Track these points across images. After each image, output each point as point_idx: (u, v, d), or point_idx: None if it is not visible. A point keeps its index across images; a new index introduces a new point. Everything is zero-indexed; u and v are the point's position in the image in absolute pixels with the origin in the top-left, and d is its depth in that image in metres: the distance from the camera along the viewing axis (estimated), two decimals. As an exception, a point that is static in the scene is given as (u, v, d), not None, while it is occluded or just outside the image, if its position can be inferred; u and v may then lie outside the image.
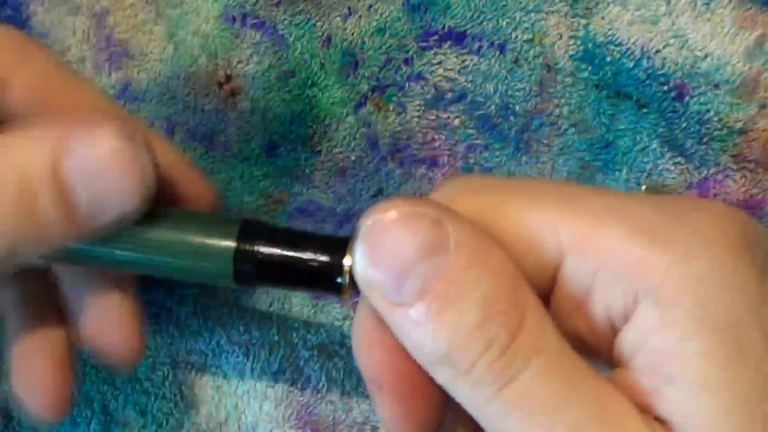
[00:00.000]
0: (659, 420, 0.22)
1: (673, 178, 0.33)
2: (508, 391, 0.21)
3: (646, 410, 0.22)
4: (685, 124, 0.33)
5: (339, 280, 0.25)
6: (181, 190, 0.27)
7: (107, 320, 0.28)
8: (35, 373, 0.29)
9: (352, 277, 0.24)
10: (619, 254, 0.22)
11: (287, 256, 0.26)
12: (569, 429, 0.21)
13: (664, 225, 0.22)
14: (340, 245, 0.25)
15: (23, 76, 0.26)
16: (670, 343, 0.21)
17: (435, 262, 0.22)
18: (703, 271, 0.21)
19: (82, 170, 0.24)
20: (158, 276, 0.26)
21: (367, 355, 0.24)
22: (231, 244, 0.25)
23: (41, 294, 0.29)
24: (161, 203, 0.26)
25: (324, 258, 0.25)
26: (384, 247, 0.22)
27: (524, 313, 0.22)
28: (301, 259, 0.25)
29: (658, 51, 0.33)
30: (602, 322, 0.23)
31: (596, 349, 0.24)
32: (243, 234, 0.26)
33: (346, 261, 0.25)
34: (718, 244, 0.22)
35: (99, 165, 0.24)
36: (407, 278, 0.22)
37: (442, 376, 0.22)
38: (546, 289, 0.24)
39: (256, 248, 0.25)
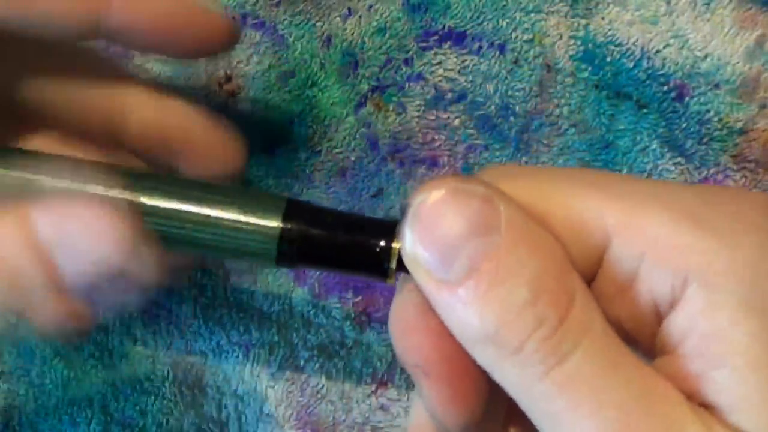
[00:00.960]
0: (705, 405, 0.22)
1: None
2: (557, 372, 0.21)
3: (691, 397, 0.22)
4: (685, 125, 0.33)
5: (386, 264, 0.24)
6: (208, 149, 0.27)
7: None
8: None
9: (399, 262, 0.24)
10: (666, 238, 0.22)
11: (333, 238, 0.25)
12: (616, 411, 0.21)
13: (708, 212, 0.22)
14: (389, 228, 0.25)
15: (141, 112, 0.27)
16: (718, 326, 0.21)
17: (485, 241, 0.22)
18: (749, 255, 0.22)
19: (50, 229, 0.24)
20: (198, 252, 0.26)
21: (410, 340, 0.24)
22: (276, 223, 0.25)
23: None
24: (190, 166, 0.26)
25: (372, 242, 0.25)
26: (433, 225, 0.22)
27: (573, 295, 0.22)
28: (347, 242, 0.25)
29: (658, 51, 0.33)
30: (647, 307, 0.23)
31: (636, 338, 0.24)
32: (288, 213, 0.25)
33: (395, 245, 0.24)
34: (763, 230, 0.22)
35: (69, 225, 0.24)
36: (456, 256, 0.22)
37: (487, 358, 0.22)
38: (589, 275, 0.24)
39: (301, 228, 0.25)
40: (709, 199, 0.23)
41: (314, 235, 0.25)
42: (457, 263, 0.22)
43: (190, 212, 0.25)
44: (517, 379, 0.22)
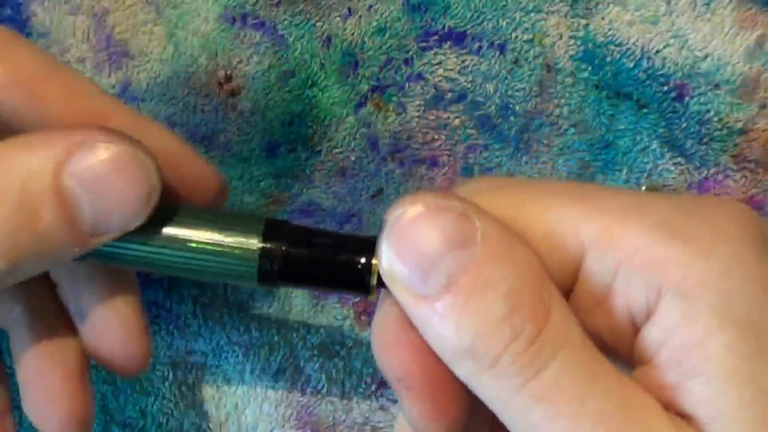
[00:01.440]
0: (683, 415, 0.22)
1: (673, 178, 0.33)
2: (534, 384, 0.21)
3: (669, 406, 0.22)
4: (685, 125, 0.33)
5: (367, 280, 0.25)
6: (187, 180, 0.27)
7: (110, 327, 0.28)
8: (48, 390, 0.28)
9: (380, 277, 0.24)
10: (640, 250, 0.22)
11: (314, 256, 0.25)
12: (595, 420, 0.21)
13: (683, 222, 0.23)
14: (368, 245, 0.25)
15: (7, 72, 0.25)
16: (693, 336, 0.22)
17: (461, 255, 0.22)
18: (724, 265, 0.22)
19: (83, 179, 0.24)
20: (177, 275, 0.26)
21: (391, 355, 0.24)
22: (256, 243, 0.25)
23: (48, 303, 0.28)
24: (166, 194, 0.25)
25: (352, 258, 0.25)
26: (410, 240, 0.22)
27: (550, 307, 0.22)
28: (328, 259, 0.25)
29: (658, 51, 0.33)
30: (623, 319, 0.23)
31: (615, 349, 0.24)
32: (268, 233, 0.25)
33: (375, 261, 0.24)
34: (737, 239, 0.22)
35: (100, 172, 0.24)
36: (433, 270, 0.22)
37: (465, 371, 0.22)
38: (566, 287, 0.24)
39: (281, 248, 0.25)
40: (685, 209, 0.23)
41: (294, 254, 0.25)
42: (433, 277, 0.22)
43: (169, 235, 0.25)
44: (495, 392, 0.22)
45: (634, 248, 0.22)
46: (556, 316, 0.22)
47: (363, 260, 0.25)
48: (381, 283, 0.24)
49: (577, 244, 0.23)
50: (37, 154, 0.24)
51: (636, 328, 0.23)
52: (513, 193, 0.24)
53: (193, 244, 0.25)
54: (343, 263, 0.25)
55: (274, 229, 0.25)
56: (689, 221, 0.23)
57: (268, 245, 0.25)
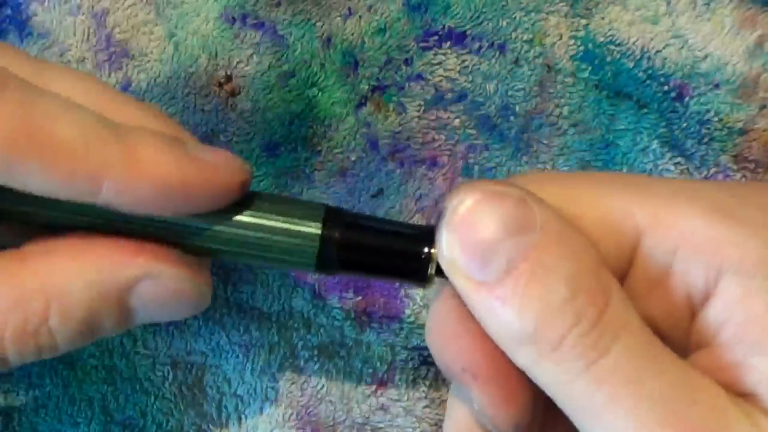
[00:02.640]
0: (744, 395, 0.22)
1: (673, 178, 0.33)
2: (597, 367, 0.21)
3: (730, 388, 0.22)
4: (685, 125, 0.33)
5: (426, 270, 0.25)
6: (201, 194, 0.26)
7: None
8: None
9: (438, 267, 0.24)
10: (697, 232, 0.23)
11: (373, 244, 0.25)
12: (657, 403, 0.21)
13: (735, 205, 0.23)
14: (428, 234, 0.25)
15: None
16: (755, 312, 0.22)
17: (521, 241, 0.22)
18: None
19: (146, 302, 0.25)
20: (237, 261, 0.26)
21: (454, 345, 0.24)
22: (317, 229, 0.25)
23: None
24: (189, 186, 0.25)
25: (412, 247, 0.25)
26: (469, 227, 0.22)
27: (610, 292, 0.22)
28: (387, 248, 0.25)
29: (658, 51, 0.33)
30: (680, 302, 0.23)
31: (670, 335, 0.24)
32: (328, 219, 0.25)
33: (434, 250, 0.24)
34: None
35: (163, 301, 0.26)
36: (493, 257, 0.22)
37: (526, 357, 0.22)
38: (621, 273, 0.24)
39: (341, 235, 0.25)
40: (734, 193, 0.24)
41: (354, 241, 0.25)
42: (494, 264, 0.22)
43: (232, 221, 0.25)
44: (556, 377, 0.22)
45: (691, 231, 0.23)
46: (615, 300, 0.22)
47: (424, 249, 0.25)
48: (438, 273, 0.24)
49: (632, 230, 0.23)
50: (109, 276, 0.25)
51: (693, 312, 0.23)
52: (564, 183, 0.24)
53: (253, 232, 0.25)
54: (402, 252, 0.25)
55: (335, 216, 0.25)
56: (740, 204, 0.23)
57: (329, 232, 0.25)
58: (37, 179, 0.23)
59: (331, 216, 0.25)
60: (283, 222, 0.25)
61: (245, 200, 0.26)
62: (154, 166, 0.24)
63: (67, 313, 0.25)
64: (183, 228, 0.25)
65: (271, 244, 0.25)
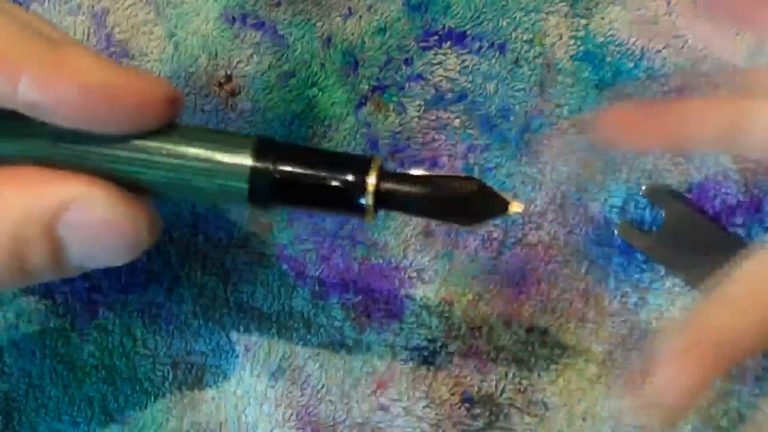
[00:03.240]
0: None
1: (673, 178, 0.33)
2: None
3: None
4: (685, 124, 0.33)
5: (362, 200, 0.24)
6: (131, 99, 0.24)
7: None
8: None
9: (376, 197, 0.23)
10: None
11: (306, 174, 0.24)
12: None
13: None
14: (363, 163, 0.24)
15: None
16: None
17: None
18: None
19: (77, 231, 0.24)
20: (168, 195, 0.25)
21: None
22: (246, 161, 0.24)
23: None
24: (122, 114, 0.24)
25: (346, 177, 0.24)
26: None
27: None
28: (320, 177, 0.24)
29: (658, 51, 0.33)
30: None
31: None
32: (258, 151, 0.24)
33: (370, 179, 0.23)
34: None
35: (94, 228, 0.24)
36: None
37: None
38: None
39: (272, 166, 0.24)
40: None
41: (285, 172, 0.24)
42: None
43: (160, 152, 0.24)
44: None
45: None
46: None
47: (359, 179, 0.23)
48: (378, 204, 0.23)
49: None
50: (35, 199, 0.24)
51: None
52: None
53: (183, 161, 0.24)
54: (337, 183, 0.24)
55: (265, 147, 0.24)
56: None
57: (259, 164, 0.24)
58: None
59: (262, 147, 0.24)
60: (213, 153, 0.24)
61: (175, 131, 0.24)
62: (77, 64, 0.23)
63: None
64: (109, 156, 0.24)
65: (200, 177, 0.24)
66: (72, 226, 0.24)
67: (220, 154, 0.24)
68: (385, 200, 0.24)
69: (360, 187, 0.24)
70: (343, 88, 0.33)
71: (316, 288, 0.33)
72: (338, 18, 0.34)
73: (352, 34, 0.34)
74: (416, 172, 0.25)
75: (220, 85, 0.33)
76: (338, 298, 0.33)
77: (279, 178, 0.24)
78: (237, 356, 0.33)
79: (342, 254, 0.33)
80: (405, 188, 0.24)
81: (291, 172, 0.24)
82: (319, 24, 0.33)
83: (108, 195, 0.24)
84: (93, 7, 0.33)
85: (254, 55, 0.33)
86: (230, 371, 0.33)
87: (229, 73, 0.33)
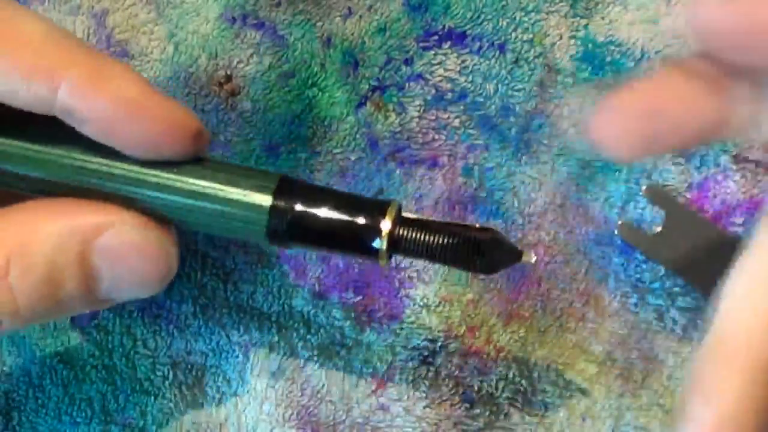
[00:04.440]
0: None
1: (673, 178, 0.33)
2: None
3: None
4: (685, 124, 0.33)
5: (375, 244, 0.24)
6: (160, 124, 0.25)
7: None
8: None
9: (390, 242, 0.23)
10: None
11: (323, 217, 0.25)
12: None
13: None
14: (380, 207, 0.24)
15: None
16: None
17: None
18: None
19: (109, 257, 0.25)
20: (185, 225, 0.26)
21: None
22: (267, 200, 0.25)
23: None
24: (147, 142, 0.25)
25: (361, 221, 0.24)
26: None
27: None
28: (337, 220, 0.25)
29: (658, 51, 0.33)
30: None
31: None
32: (280, 190, 0.25)
33: (384, 225, 0.24)
34: None
35: (126, 254, 0.25)
36: None
37: None
38: None
39: (292, 206, 0.25)
40: None
41: (303, 213, 0.25)
42: None
43: (183, 187, 0.25)
44: None
45: None
46: None
47: (374, 223, 0.24)
48: (391, 248, 0.24)
49: None
50: (67, 227, 0.25)
51: None
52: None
53: (205, 194, 0.25)
54: (352, 226, 0.24)
55: (287, 187, 0.25)
56: None
57: (279, 203, 0.25)
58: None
59: (283, 186, 0.25)
60: (235, 189, 0.25)
61: (199, 163, 0.25)
62: (116, 78, 0.24)
63: (28, 268, 0.24)
64: (133, 180, 0.25)
65: (221, 212, 0.25)
66: (104, 252, 0.25)
67: (242, 191, 0.25)
68: (399, 245, 0.25)
69: (375, 231, 0.24)
70: (343, 88, 0.33)
71: (316, 288, 0.33)
72: (338, 18, 0.34)
73: (352, 34, 0.34)
74: (432, 219, 0.25)
75: (220, 85, 0.33)
76: (338, 298, 0.33)
77: (296, 219, 0.25)
78: (237, 356, 0.33)
79: (342, 254, 0.33)
80: (419, 235, 0.25)
81: (309, 213, 0.25)
82: (319, 24, 0.33)
83: (137, 221, 0.25)
84: (93, 7, 0.33)
85: (254, 55, 0.33)
86: (230, 371, 0.33)
87: (229, 73, 0.33)
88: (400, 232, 0.25)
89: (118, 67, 0.25)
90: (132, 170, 0.25)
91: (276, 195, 0.25)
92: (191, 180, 0.25)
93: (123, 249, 0.25)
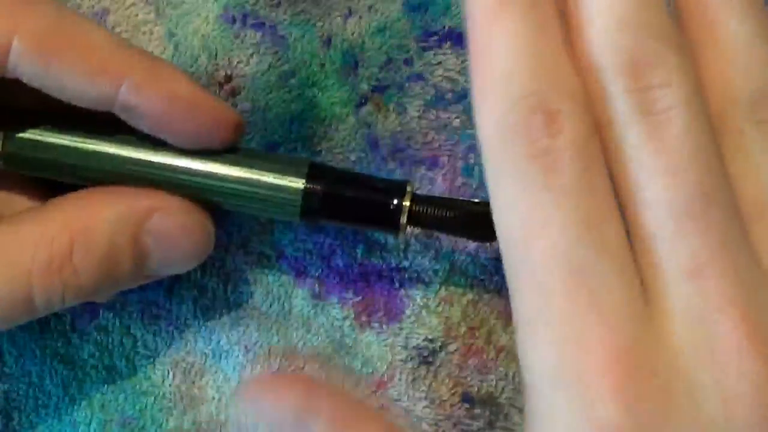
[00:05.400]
0: None
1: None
2: None
3: None
4: (685, 124, 0.33)
5: (398, 219, 0.29)
6: (207, 119, 0.29)
7: None
8: None
9: (409, 217, 0.29)
10: None
11: (351, 196, 0.29)
12: None
13: None
14: (400, 187, 0.29)
15: (27, 30, 0.27)
16: None
17: None
18: None
19: (158, 237, 0.28)
20: (227, 207, 0.29)
21: None
22: (300, 182, 0.29)
23: None
24: (195, 135, 0.28)
25: (386, 199, 0.29)
26: None
27: None
28: (364, 198, 0.29)
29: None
30: None
31: None
32: (311, 174, 0.29)
33: (405, 202, 0.29)
34: None
35: (174, 234, 0.28)
36: None
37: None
38: None
39: (322, 187, 0.29)
40: None
41: (334, 193, 0.29)
42: None
43: (226, 175, 0.29)
44: None
45: None
46: None
47: (395, 201, 0.29)
48: (410, 222, 0.29)
49: None
50: (122, 211, 0.28)
51: None
52: None
53: (247, 178, 0.29)
54: (377, 203, 0.29)
55: (317, 171, 0.29)
56: None
57: (311, 185, 0.29)
58: (68, 72, 0.26)
59: (314, 171, 0.29)
60: (273, 173, 0.29)
61: (239, 151, 0.29)
62: (171, 77, 0.28)
63: (90, 249, 0.27)
64: (180, 168, 0.29)
65: (260, 193, 0.29)
66: (154, 233, 0.28)
67: (278, 176, 0.29)
68: (416, 219, 0.29)
69: (397, 207, 0.29)
70: (343, 88, 0.33)
71: (316, 288, 0.33)
72: (338, 18, 0.34)
73: (352, 34, 0.34)
74: (441, 195, 0.31)
75: (220, 85, 0.33)
76: (338, 298, 0.33)
77: (327, 198, 0.29)
78: (237, 356, 0.33)
79: (342, 254, 0.33)
80: (432, 210, 0.29)
81: (337, 193, 0.29)
82: (319, 24, 0.34)
83: (181, 205, 0.29)
84: (93, 7, 0.33)
85: (254, 55, 0.33)
86: (230, 371, 0.33)
87: (229, 73, 0.33)
88: (416, 208, 0.29)
89: (170, 68, 0.28)
90: (178, 159, 0.29)
91: (308, 178, 0.29)
92: (231, 167, 0.29)
93: (170, 230, 0.28)
